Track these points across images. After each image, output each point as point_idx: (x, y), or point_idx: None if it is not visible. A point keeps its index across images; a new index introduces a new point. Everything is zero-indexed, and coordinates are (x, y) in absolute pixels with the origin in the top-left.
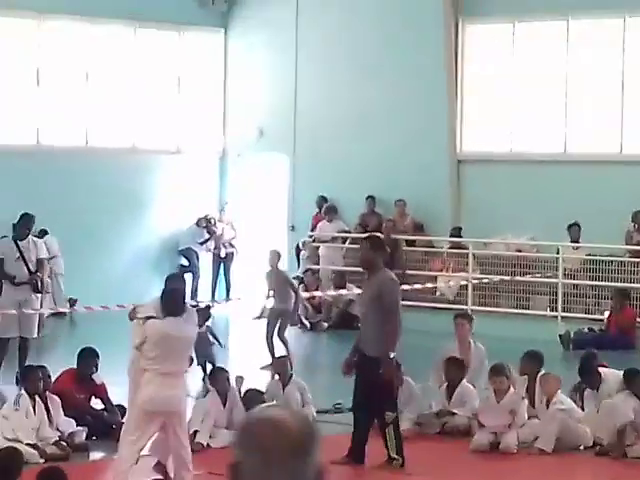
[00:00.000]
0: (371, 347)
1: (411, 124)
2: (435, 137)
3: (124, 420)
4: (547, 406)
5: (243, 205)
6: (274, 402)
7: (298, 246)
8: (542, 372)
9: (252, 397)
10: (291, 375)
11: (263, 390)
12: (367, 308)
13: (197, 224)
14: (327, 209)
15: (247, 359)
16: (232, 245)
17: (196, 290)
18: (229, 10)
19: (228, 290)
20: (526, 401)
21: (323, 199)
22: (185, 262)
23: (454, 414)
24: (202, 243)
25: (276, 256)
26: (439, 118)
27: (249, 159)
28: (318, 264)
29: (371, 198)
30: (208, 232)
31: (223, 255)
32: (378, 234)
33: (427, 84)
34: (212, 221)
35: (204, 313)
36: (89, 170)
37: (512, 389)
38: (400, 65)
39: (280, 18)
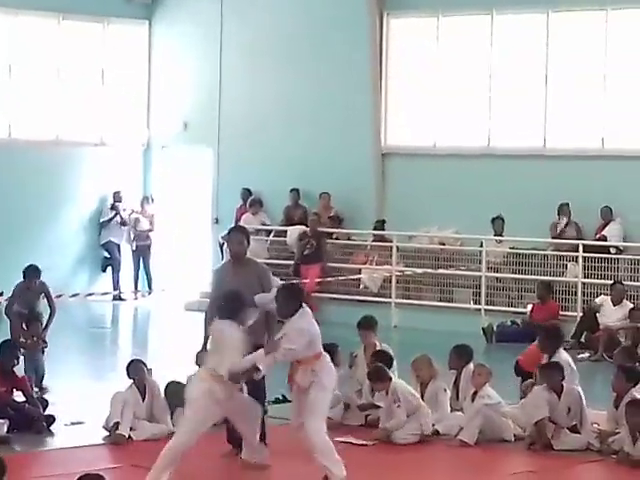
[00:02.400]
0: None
1: (336, 118)
2: (360, 131)
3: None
4: (473, 399)
5: (167, 198)
6: None
7: (222, 239)
8: (472, 365)
9: (173, 389)
10: None
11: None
12: (248, 293)
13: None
14: (251, 202)
15: (170, 351)
16: (148, 237)
17: (117, 282)
18: (153, 2)
19: (149, 283)
20: (449, 393)
21: (247, 192)
22: (107, 255)
23: (378, 407)
24: (107, 221)
25: None
26: (364, 112)
27: (173, 152)
28: None
29: (295, 191)
30: (112, 208)
31: (134, 248)
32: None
33: (352, 78)
34: (118, 197)
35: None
36: (11, 162)
37: (434, 381)
38: (325, 59)
39: (205, 11)
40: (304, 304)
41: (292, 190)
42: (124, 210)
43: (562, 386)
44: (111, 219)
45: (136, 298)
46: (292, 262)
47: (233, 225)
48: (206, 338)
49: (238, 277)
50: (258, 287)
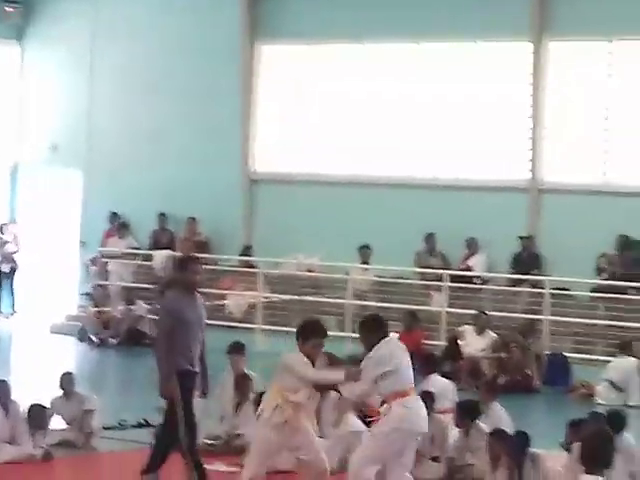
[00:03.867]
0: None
1: (206, 143)
2: (229, 156)
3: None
4: (336, 425)
5: (34, 219)
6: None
7: (89, 261)
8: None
9: (35, 412)
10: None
11: (47, 405)
12: (203, 326)
13: None
14: (118, 225)
15: (33, 373)
16: (14, 260)
17: None
18: (25, 23)
19: (13, 304)
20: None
21: (115, 215)
22: None
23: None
24: None
25: None
26: (233, 137)
27: (42, 173)
28: (108, 280)
29: (162, 215)
30: None
31: (7, 270)
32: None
33: (222, 104)
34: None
35: None
36: None
37: None
38: (196, 84)
39: (77, 34)
40: (388, 334)
41: (159, 214)
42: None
43: (431, 414)
44: None
45: None
46: (158, 286)
47: (188, 255)
48: (164, 369)
49: (196, 309)
50: (204, 322)
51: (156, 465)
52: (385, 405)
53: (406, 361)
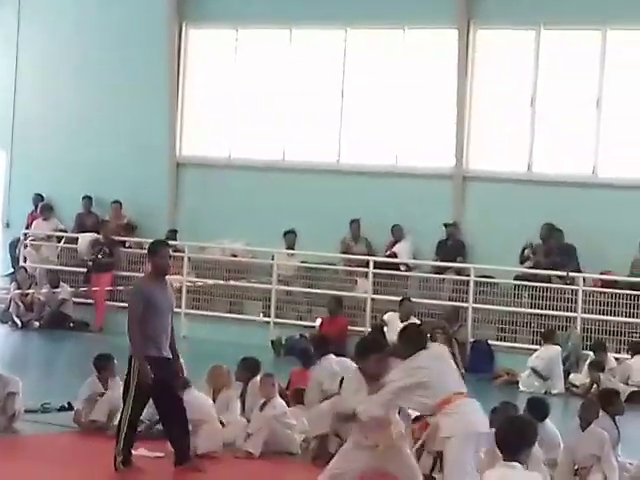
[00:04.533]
0: (169, 349)
1: (132, 126)
2: (155, 140)
3: None
4: (261, 409)
5: None
6: None
7: (13, 243)
8: (259, 377)
9: None
10: None
11: None
12: (172, 311)
13: None
14: (43, 207)
15: None
16: None
17: None
18: None
19: None
20: (238, 404)
21: (39, 197)
22: None
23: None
24: None
25: None
26: (160, 121)
27: None
28: (32, 262)
29: (87, 198)
30: None
31: None
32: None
33: (149, 86)
34: None
35: None
36: None
37: (226, 389)
38: (122, 66)
39: (1, 13)
40: (428, 346)
41: (84, 197)
42: None
43: None
44: None
45: None
46: (83, 269)
47: (158, 239)
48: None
49: (165, 293)
50: (173, 307)
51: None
52: (432, 418)
53: (442, 368)
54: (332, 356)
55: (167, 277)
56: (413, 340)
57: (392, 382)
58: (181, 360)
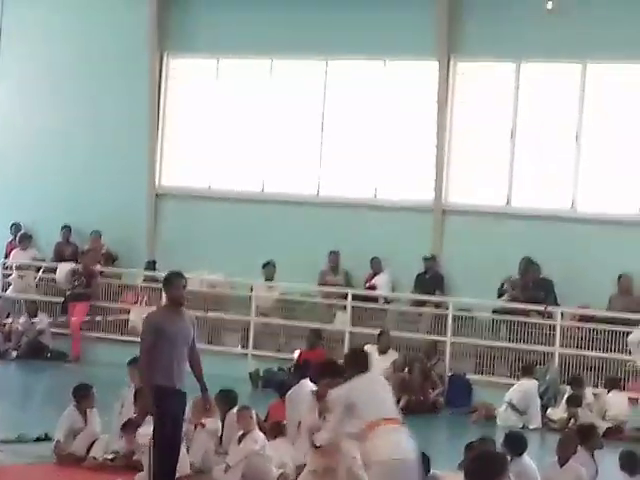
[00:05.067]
0: (183, 381)
1: (111, 156)
2: (134, 170)
3: None
4: (239, 442)
5: None
6: None
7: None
8: (237, 408)
9: None
10: None
11: None
12: (187, 342)
13: None
14: (21, 237)
15: None
16: None
17: None
18: None
19: None
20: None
21: (17, 227)
22: None
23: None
24: None
25: None
26: (139, 151)
27: None
28: (10, 291)
29: (67, 228)
30: None
31: None
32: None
33: (129, 115)
34: None
35: None
36: None
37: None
38: (104, 95)
39: None
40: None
41: (63, 227)
42: None
43: None
44: None
45: None
46: (61, 299)
47: (174, 271)
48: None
49: (178, 325)
50: (191, 338)
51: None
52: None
53: (375, 392)
54: (308, 381)
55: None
56: (354, 363)
57: (333, 411)
58: (208, 392)
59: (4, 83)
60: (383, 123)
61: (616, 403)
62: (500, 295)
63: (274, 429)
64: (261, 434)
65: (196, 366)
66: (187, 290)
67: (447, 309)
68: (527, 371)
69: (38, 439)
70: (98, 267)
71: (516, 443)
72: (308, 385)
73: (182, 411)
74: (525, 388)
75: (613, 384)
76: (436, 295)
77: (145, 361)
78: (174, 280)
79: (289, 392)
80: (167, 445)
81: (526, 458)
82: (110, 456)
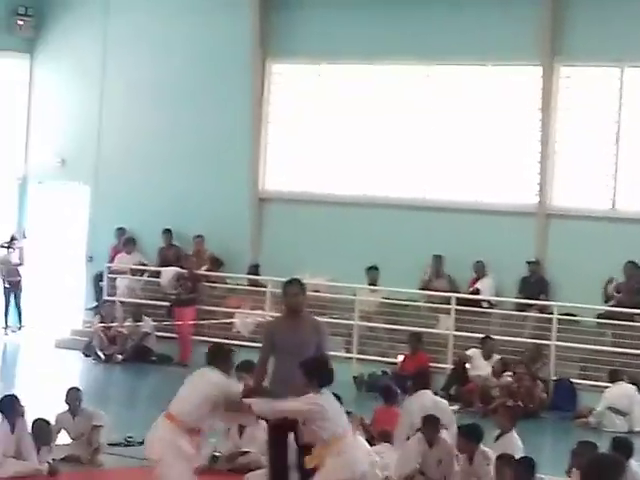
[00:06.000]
0: (302, 392)
1: (215, 160)
2: (238, 174)
3: None
4: None
5: (42, 233)
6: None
7: (97, 277)
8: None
9: (40, 427)
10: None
11: (52, 420)
12: (302, 352)
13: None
14: (125, 241)
15: (38, 388)
16: (18, 273)
17: None
18: (36, 36)
19: (20, 318)
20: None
21: (122, 231)
22: None
23: (245, 453)
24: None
25: None
26: (243, 155)
27: (50, 187)
28: (115, 296)
29: (168, 232)
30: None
31: (12, 284)
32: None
33: (232, 121)
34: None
35: None
36: None
37: None
38: (206, 101)
39: (87, 48)
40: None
41: (165, 231)
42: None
43: (437, 437)
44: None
45: (6, 333)
46: (165, 303)
47: (291, 278)
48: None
49: (292, 332)
50: (313, 345)
51: None
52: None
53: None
54: (428, 392)
55: (303, 314)
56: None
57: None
58: None
59: (109, 91)
60: (486, 127)
61: None
62: (607, 300)
63: (382, 436)
64: (363, 439)
65: None
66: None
67: (551, 313)
68: (616, 375)
69: (144, 442)
70: (202, 271)
71: (623, 448)
72: (429, 397)
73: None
74: (626, 391)
75: None
76: (540, 299)
77: (258, 369)
78: (287, 287)
79: (406, 400)
80: (279, 466)
81: (633, 463)
82: (216, 454)
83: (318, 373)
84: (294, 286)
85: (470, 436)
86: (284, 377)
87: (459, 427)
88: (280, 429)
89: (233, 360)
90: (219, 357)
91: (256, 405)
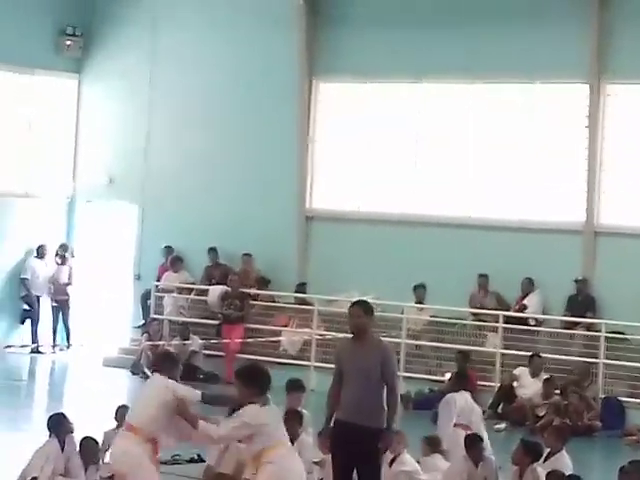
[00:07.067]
0: (369, 418)
1: (261, 179)
2: (285, 192)
3: None
4: (390, 465)
5: (90, 252)
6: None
7: (144, 295)
8: None
9: (88, 445)
10: None
11: (98, 438)
12: (367, 376)
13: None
14: (173, 259)
15: (86, 406)
16: (66, 292)
17: (36, 335)
18: (84, 56)
19: (68, 336)
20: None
21: (169, 249)
22: (27, 307)
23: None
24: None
25: None
26: (289, 174)
27: (98, 206)
28: (163, 314)
29: (213, 250)
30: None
31: (61, 302)
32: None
33: (278, 140)
34: (42, 251)
35: None
36: None
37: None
38: (253, 120)
39: (134, 67)
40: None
41: (210, 249)
42: (46, 265)
43: (482, 456)
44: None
45: (54, 352)
46: (213, 321)
47: (355, 299)
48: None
49: (356, 355)
50: (376, 370)
51: None
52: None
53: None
54: (468, 395)
55: (369, 337)
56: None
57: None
58: (394, 431)
59: (157, 110)
60: (533, 145)
61: None
62: None
63: (432, 444)
64: (410, 457)
65: (389, 405)
66: (338, 312)
67: (599, 331)
68: None
69: (191, 460)
70: (250, 290)
71: None
72: (464, 396)
73: (355, 445)
74: None
75: None
76: (587, 317)
77: (330, 393)
78: (351, 309)
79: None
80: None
81: None
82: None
83: (255, 380)
84: (358, 308)
85: (530, 452)
86: (350, 403)
87: (522, 440)
88: None
89: (180, 366)
90: (166, 364)
91: (202, 426)
